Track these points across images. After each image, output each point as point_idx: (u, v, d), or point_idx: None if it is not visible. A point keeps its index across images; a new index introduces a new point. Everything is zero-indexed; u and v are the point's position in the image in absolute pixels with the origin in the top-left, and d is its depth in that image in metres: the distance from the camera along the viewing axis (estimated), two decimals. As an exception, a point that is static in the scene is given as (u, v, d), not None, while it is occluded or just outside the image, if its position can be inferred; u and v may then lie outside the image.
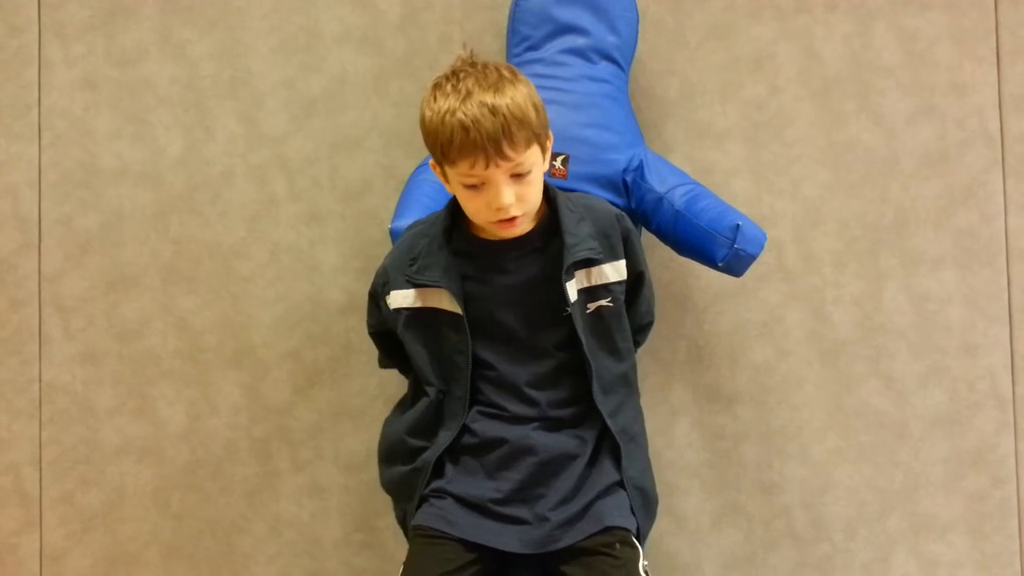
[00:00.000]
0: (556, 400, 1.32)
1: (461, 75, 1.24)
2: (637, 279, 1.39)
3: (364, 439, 1.72)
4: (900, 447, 1.75)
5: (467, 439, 1.33)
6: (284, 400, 1.74)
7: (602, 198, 1.45)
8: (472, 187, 1.24)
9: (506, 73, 1.25)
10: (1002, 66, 1.79)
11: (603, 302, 1.32)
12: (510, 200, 1.23)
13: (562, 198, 1.33)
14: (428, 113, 1.24)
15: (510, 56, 1.63)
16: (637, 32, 1.66)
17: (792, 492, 1.75)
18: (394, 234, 1.45)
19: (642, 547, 1.33)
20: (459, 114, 1.19)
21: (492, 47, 1.72)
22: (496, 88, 1.21)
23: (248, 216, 1.74)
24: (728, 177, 1.76)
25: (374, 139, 1.74)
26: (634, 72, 1.71)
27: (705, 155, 1.76)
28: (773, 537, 1.74)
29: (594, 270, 1.32)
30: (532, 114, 1.23)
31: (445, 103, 1.21)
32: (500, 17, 1.69)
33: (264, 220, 1.74)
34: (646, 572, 1.29)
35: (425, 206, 1.48)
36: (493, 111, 1.19)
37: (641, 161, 1.57)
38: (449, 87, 1.23)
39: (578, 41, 1.59)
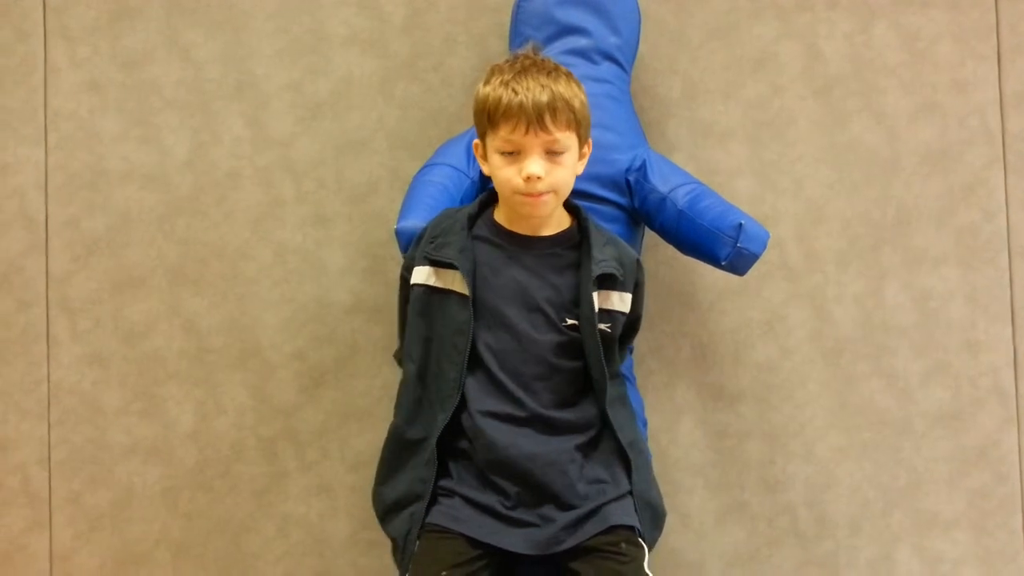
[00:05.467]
0: (547, 402, 1.33)
1: (521, 60, 1.33)
2: (635, 323, 1.42)
3: (370, 439, 1.73)
4: (903, 444, 1.76)
5: (461, 443, 1.34)
6: (291, 400, 1.75)
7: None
8: (507, 154, 1.30)
9: (563, 69, 1.34)
10: (1003, 63, 1.80)
11: (603, 326, 1.34)
12: (539, 171, 1.28)
13: (592, 221, 1.39)
14: (482, 88, 1.32)
15: (511, 57, 1.64)
16: (639, 32, 1.67)
17: (796, 490, 1.76)
18: (400, 235, 1.46)
19: (648, 550, 1.34)
20: (512, 83, 1.29)
21: (496, 49, 1.73)
22: (551, 75, 1.30)
23: (254, 218, 1.75)
24: (731, 176, 1.77)
25: (380, 141, 1.75)
26: (637, 72, 1.72)
27: (708, 154, 1.77)
28: (777, 534, 1.75)
29: (604, 294, 1.35)
30: (577, 104, 1.31)
31: (501, 77, 1.31)
32: (504, 19, 1.70)
33: (270, 222, 1.75)
34: (650, 572, 1.31)
35: (430, 207, 1.49)
36: (544, 86, 1.29)
37: (644, 161, 1.57)
38: (507, 66, 1.32)
39: (580, 42, 1.60)
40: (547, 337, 1.33)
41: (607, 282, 1.35)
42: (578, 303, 1.34)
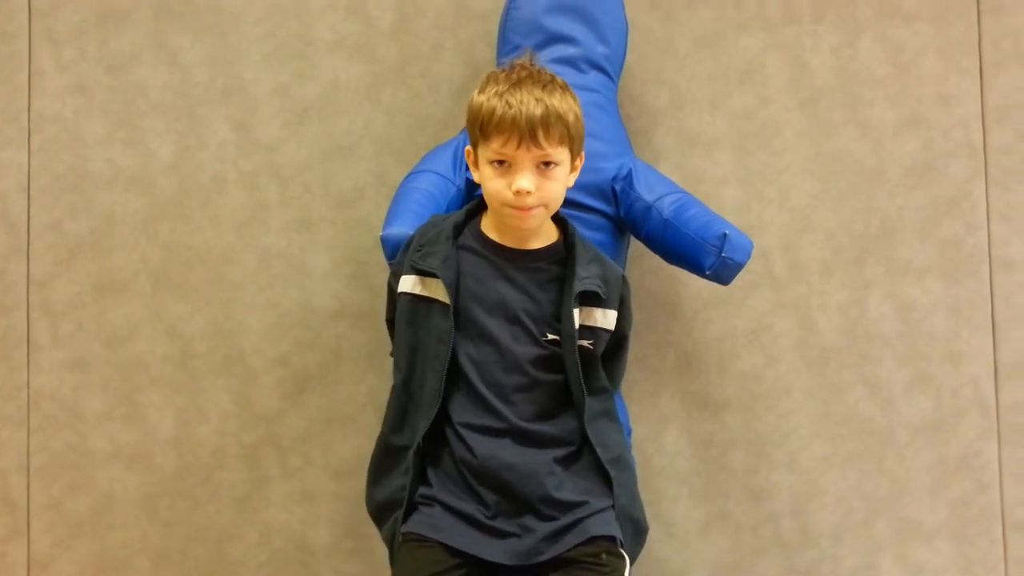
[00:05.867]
0: (527, 414, 1.32)
1: (517, 70, 1.31)
2: (621, 340, 1.41)
3: (354, 446, 1.72)
4: (886, 454, 1.77)
5: (443, 452, 1.33)
6: (274, 407, 1.73)
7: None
8: (499, 164, 1.29)
9: (559, 81, 1.32)
10: (985, 78, 1.82)
11: (584, 343, 1.34)
12: (529, 185, 1.28)
13: (579, 236, 1.38)
14: (477, 96, 1.31)
15: (500, 65, 1.64)
16: (626, 42, 1.67)
17: (780, 499, 1.76)
18: (385, 242, 1.46)
19: (630, 564, 1.33)
20: (507, 95, 1.28)
21: (484, 56, 1.74)
22: (546, 87, 1.29)
23: (239, 222, 1.74)
24: (717, 186, 1.77)
25: (366, 146, 1.75)
26: (624, 81, 1.72)
27: (694, 164, 1.78)
28: (761, 544, 1.76)
29: (586, 310, 1.34)
30: (571, 118, 1.30)
31: (496, 87, 1.29)
32: (492, 26, 1.70)
33: (255, 226, 1.74)
34: None
35: (416, 213, 1.48)
36: (538, 100, 1.27)
37: (630, 170, 1.58)
38: (503, 76, 1.31)
39: (568, 51, 1.60)
40: (527, 350, 1.33)
41: (589, 299, 1.34)
42: (560, 319, 1.33)
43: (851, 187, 1.79)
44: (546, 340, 1.33)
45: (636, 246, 1.65)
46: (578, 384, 1.32)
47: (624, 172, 1.58)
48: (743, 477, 1.76)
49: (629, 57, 1.70)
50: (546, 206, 1.31)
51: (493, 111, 1.27)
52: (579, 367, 1.32)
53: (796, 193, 1.78)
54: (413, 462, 1.33)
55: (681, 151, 1.78)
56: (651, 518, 1.46)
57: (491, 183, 1.30)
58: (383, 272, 1.46)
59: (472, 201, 1.42)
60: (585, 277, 1.33)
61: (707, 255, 1.49)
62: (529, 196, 1.28)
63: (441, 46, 1.76)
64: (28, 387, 1.73)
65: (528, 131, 1.26)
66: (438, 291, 1.33)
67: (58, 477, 1.72)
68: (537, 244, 1.36)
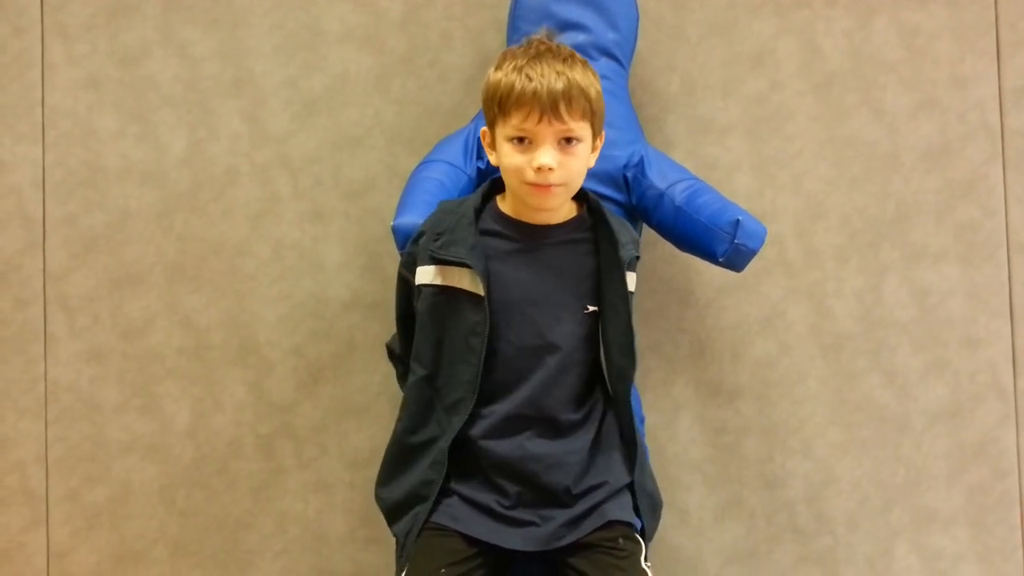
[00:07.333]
0: (556, 402, 1.31)
1: (535, 45, 1.28)
2: None
3: (368, 435, 1.73)
4: (902, 440, 1.76)
5: (464, 443, 1.31)
6: (289, 397, 1.74)
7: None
8: (519, 141, 1.25)
9: (579, 57, 1.28)
10: (1002, 60, 1.79)
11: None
12: (551, 161, 1.24)
13: (603, 205, 1.35)
14: (494, 73, 1.27)
15: (512, 50, 1.63)
16: (637, 28, 1.67)
17: (794, 486, 1.75)
18: (396, 232, 1.46)
19: (647, 546, 1.33)
20: (527, 69, 1.23)
21: (493, 44, 1.73)
22: (566, 61, 1.25)
23: (252, 214, 1.75)
24: (730, 172, 1.76)
25: (376, 137, 1.75)
26: (635, 68, 1.71)
27: (706, 150, 1.76)
28: (775, 531, 1.75)
29: (630, 276, 1.33)
30: (593, 93, 1.25)
31: (514, 62, 1.25)
32: (501, 14, 1.70)
33: (268, 218, 1.75)
34: (648, 567, 1.30)
35: (427, 203, 1.48)
36: (559, 73, 1.23)
37: (642, 157, 1.57)
38: (521, 52, 1.27)
39: (578, 38, 1.60)
40: (566, 327, 1.30)
41: (631, 265, 1.32)
42: (598, 288, 1.30)
43: (865, 172, 1.77)
44: (586, 313, 1.30)
45: (649, 234, 1.65)
46: (630, 350, 1.29)
47: (636, 159, 1.57)
48: (757, 464, 1.75)
49: (640, 44, 1.69)
50: (567, 185, 1.27)
51: (512, 86, 1.23)
52: (633, 331, 1.29)
53: (810, 178, 1.77)
54: (446, 457, 1.29)
55: (693, 138, 1.76)
56: (665, 505, 1.46)
57: (510, 160, 1.26)
58: (395, 262, 1.46)
59: (486, 183, 1.38)
60: (627, 243, 1.31)
61: (720, 242, 1.48)
62: (551, 173, 1.24)
63: (450, 35, 1.75)
64: (45, 379, 1.74)
65: (550, 104, 1.21)
66: (463, 280, 1.28)
67: (76, 468, 1.74)
68: (562, 217, 1.33)
